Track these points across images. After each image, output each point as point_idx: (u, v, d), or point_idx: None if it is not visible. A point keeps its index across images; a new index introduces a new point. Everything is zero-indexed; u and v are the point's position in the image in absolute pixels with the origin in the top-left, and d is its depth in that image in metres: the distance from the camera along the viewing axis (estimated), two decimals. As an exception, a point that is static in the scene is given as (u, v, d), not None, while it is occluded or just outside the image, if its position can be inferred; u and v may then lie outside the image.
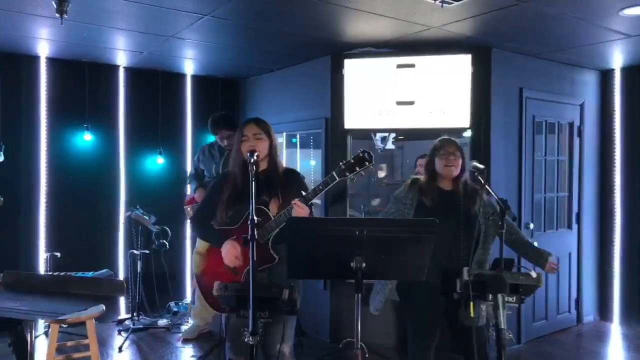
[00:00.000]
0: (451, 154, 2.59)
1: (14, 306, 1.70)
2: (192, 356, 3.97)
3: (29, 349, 2.04)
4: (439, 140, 2.72)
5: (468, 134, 4.07)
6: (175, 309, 4.97)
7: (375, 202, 5.18)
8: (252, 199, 1.96)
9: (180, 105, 5.30)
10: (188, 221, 4.36)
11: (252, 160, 2.08)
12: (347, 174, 2.17)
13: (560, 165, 4.63)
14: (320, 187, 2.18)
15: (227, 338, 2.35)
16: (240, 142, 2.27)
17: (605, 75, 4.82)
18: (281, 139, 5.35)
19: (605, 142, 4.85)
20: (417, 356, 2.59)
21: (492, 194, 2.27)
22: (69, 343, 3.41)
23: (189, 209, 4.26)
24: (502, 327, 1.83)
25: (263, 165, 2.31)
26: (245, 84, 5.60)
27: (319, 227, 1.86)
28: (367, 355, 3.85)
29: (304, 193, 2.15)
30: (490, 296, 2.03)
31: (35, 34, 3.84)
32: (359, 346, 2.01)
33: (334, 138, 4.31)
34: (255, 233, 1.87)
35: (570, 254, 4.65)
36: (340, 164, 2.20)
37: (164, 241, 4.74)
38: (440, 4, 2.90)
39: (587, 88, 4.72)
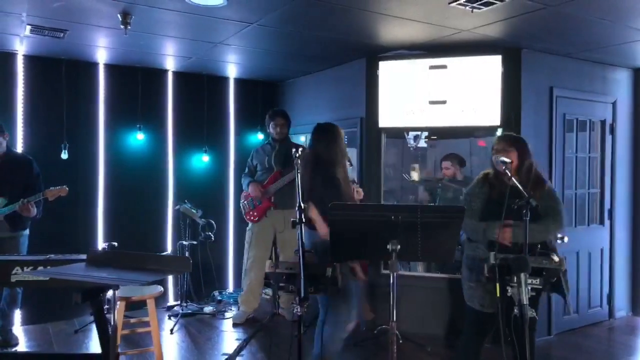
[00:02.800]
0: (501, 151, 2.76)
1: (103, 275, 2.02)
2: (237, 339, 4.27)
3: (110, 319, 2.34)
4: (496, 137, 2.94)
5: (499, 132, 4.22)
6: (219, 298, 5.32)
7: (410, 198, 5.37)
8: (297, 188, 2.23)
9: (224, 107, 5.65)
10: (244, 215, 4.73)
11: (296, 155, 2.37)
12: None
13: (592, 162, 4.71)
14: None
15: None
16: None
17: (638, 74, 4.87)
18: (303, 138, 5.64)
19: (638, 139, 4.90)
20: (470, 346, 2.79)
21: (518, 185, 2.46)
22: (132, 320, 3.77)
23: (245, 203, 4.61)
24: (524, 302, 2.03)
25: None
26: (283, 86, 5.91)
27: (360, 212, 2.10)
28: (400, 342, 4.11)
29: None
30: (515, 278, 2.22)
31: (97, 43, 4.23)
32: (394, 319, 2.20)
33: (369, 136, 4.55)
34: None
35: (602, 250, 4.73)
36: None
37: (210, 233, 5.08)
38: (471, 9, 3.10)
39: (619, 86, 4.78)
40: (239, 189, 5.62)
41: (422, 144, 5.40)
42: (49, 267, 2.37)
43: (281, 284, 2.36)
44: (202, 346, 4.14)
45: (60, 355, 3.07)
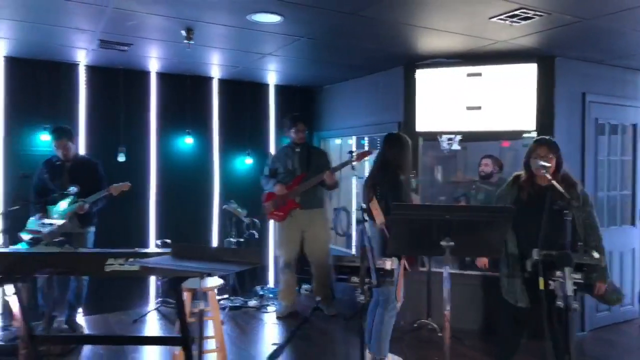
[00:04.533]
0: (543, 157, 2.89)
1: (192, 265, 2.32)
2: (291, 330, 4.54)
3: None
4: (534, 142, 3.05)
5: (529, 136, 4.42)
6: (260, 292, 5.62)
7: (441, 198, 5.58)
8: (364, 189, 2.49)
9: (264, 112, 5.96)
10: (268, 216, 4.99)
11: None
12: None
13: (624, 165, 4.86)
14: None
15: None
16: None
17: (669, 79, 4.99)
18: (351, 141, 5.90)
19: (669, 143, 5.02)
20: (507, 340, 3.01)
21: (558, 188, 2.67)
22: (194, 309, 4.08)
23: (268, 205, 4.89)
24: (569, 294, 2.24)
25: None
26: (321, 92, 6.18)
27: (419, 212, 2.35)
28: (439, 335, 4.33)
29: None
30: (558, 272, 2.43)
31: (153, 54, 4.56)
32: (447, 309, 2.43)
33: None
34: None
35: (633, 250, 4.87)
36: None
37: (254, 232, 5.38)
38: (510, 23, 3.31)
39: (650, 91, 4.92)
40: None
41: (456, 146, 5.61)
42: (137, 259, 2.67)
43: (341, 277, 2.62)
44: (251, 336, 4.43)
45: (145, 338, 3.39)
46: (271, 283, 5.95)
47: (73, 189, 3.97)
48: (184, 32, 3.61)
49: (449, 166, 5.79)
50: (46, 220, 3.81)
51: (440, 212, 2.34)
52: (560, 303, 2.39)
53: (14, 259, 2.52)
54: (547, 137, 3.12)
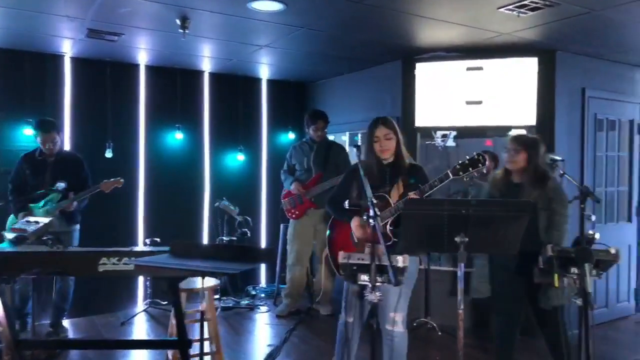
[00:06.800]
0: (511, 150, 2.94)
1: (192, 264, 2.17)
2: (287, 331, 4.40)
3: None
4: (508, 138, 3.05)
5: (518, 132, 4.37)
6: (253, 292, 5.47)
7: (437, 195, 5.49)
8: (366, 185, 2.38)
9: (257, 107, 5.81)
10: (285, 212, 4.84)
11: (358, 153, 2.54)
12: (461, 173, 2.53)
13: (621, 161, 4.85)
14: (436, 183, 2.55)
15: (343, 299, 2.77)
16: (373, 143, 2.69)
17: (665, 75, 5.00)
18: (344, 137, 5.78)
19: (665, 139, 5.03)
20: (502, 337, 2.94)
21: (572, 181, 2.60)
22: (189, 311, 3.92)
23: (286, 201, 4.75)
24: (589, 290, 2.17)
25: (390, 159, 2.73)
26: (315, 87, 6.05)
27: (432, 207, 2.24)
28: (439, 334, 4.25)
29: (420, 186, 2.54)
30: (573, 269, 2.36)
31: (143, 45, 4.38)
32: (461, 307, 2.33)
33: (405, 136, 4.68)
34: (377, 211, 2.27)
35: (630, 246, 4.87)
36: (456, 164, 2.55)
37: (246, 230, 5.23)
38: (518, 14, 3.24)
39: (646, 87, 4.92)
40: (272, 187, 5.79)
41: (451, 142, 5.54)
42: (132, 258, 2.51)
43: (350, 275, 2.50)
44: (245, 338, 4.29)
45: (139, 342, 3.22)
46: (263, 282, 5.81)
47: (61, 185, 3.77)
48: (178, 21, 3.45)
49: (447, 162, 5.72)
50: (31, 219, 3.59)
51: (456, 207, 2.24)
52: (577, 301, 2.32)
53: (-1, 259, 2.34)
54: (521, 134, 3.10)
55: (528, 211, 2.23)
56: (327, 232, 2.92)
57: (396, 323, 2.63)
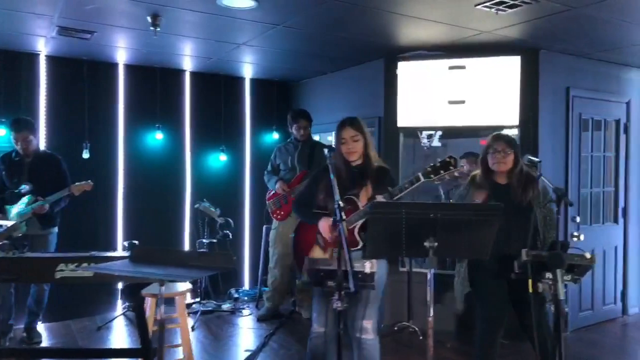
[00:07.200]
0: (500, 152, 2.80)
1: (149, 271, 2.08)
2: (258, 335, 4.33)
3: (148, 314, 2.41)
4: (490, 137, 2.92)
5: (511, 132, 4.29)
6: (235, 295, 5.38)
7: (422, 199, 5.41)
8: (335, 188, 2.29)
9: (240, 107, 5.71)
10: (271, 214, 4.74)
11: (330, 155, 2.45)
12: (432, 176, 2.47)
13: (607, 161, 4.78)
14: (406, 186, 2.48)
15: (313, 311, 2.67)
16: (340, 144, 2.60)
17: (651, 74, 4.94)
18: (330, 138, 5.70)
19: (652, 139, 4.97)
20: (484, 340, 2.86)
21: (548, 183, 2.52)
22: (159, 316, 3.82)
23: (271, 202, 4.66)
24: (561, 297, 2.09)
25: (358, 161, 2.64)
26: (298, 86, 5.96)
27: (399, 210, 2.16)
28: (421, 338, 4.17)
29: (390, 189, 2.46)
30: (547, 274, 2.28)
31: (120, 44, 4.28)
32: (430, 314, 2.25)
33: (387, 136, 4.62)
34: (344, 215, 2.19)
35: (616, 247, 4.80)
36: (427, 167, 2.49)
37: (228, 232, 5.14)
38: (496, 11, 3.16)
39: (633, 86, 4.85)
40: (255, 188, 5.69)
41: (436, 143, 5.46)
42: (92, 264, 2.42)
43: (317, 281, 2.41)
44: (224, 342, 4.20)
45: (101, 350, 3.13)
46: (247, 285, 5.72)
47: (24, 187, 3.67)
48: (149, 19, 3.36)
49: (429, 162, 5.63)
50: (0, 222, 3.50)
51: (424, 211, 2.15)
52: (550, 306, 2.24)
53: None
54: (504, 134, 2.98)
55: (499, 214, 2.14)
56: (292, 234, 2.84)
57: (366, 330, 2.54)
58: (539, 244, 2.79)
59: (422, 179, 2.47)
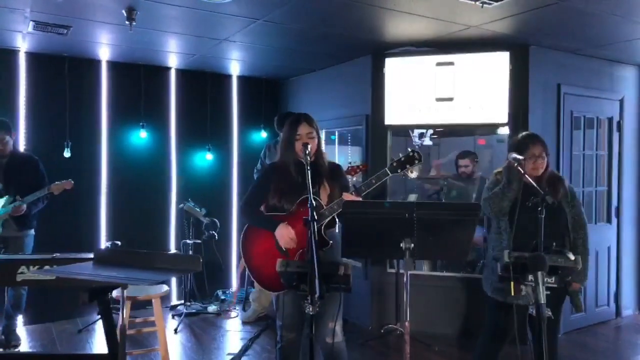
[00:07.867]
0: (539, 157, 2.60)
1: (111, 274, 1.98)
2: (242, 338, 4.23)
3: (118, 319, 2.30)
4: (523, 138, 2.68)
5: (504, 130, 4.20)
6: (222, 297, 5.28)
7: (412, 197, 5.32)
8: (309, 186, 2.19)
9: (227, 105, 5.60)
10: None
11: (307, 151, 2.34)
12: (399, 170, 2.43)
13: (599, 160, 4.68)
14: (373, 182, 2.42)
15: (279, 317, 2.56)
16: (294, 141, 2.49)
17: (645, 70, 4.84)
18: (321, 136, 5.59)
19: (646, 137, 4.87)
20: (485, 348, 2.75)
21: (532, 182, 2.42)
22: (137, 319, 3.73)
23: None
24: (542, 302, 1.99)
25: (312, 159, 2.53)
26: (287, 84, 5.86)
27: (373, 209, 2.06)
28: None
29: (356, 186, 2.38)
30: (530, 277, 2.17)
31: (100, 40, 4.18)
32: (407, 318, 2.15)
33: (375, 134, 4.51)
34: (315, 215, 2.09)
35: (609, 248, 4.70)
36: (392, 161, 2.45)
37: (214, 232, 5.04)
38: (481, 4, 3.06)
39: (626, 83, 4.75)
40: (243, 188, 5.59)
41: (428, 142, 5.37)
42: (55, 266, 2.32)
43: (293, 284, 2.31)
44: (207, 346, 4.10)
45: (66, 356, 3.03)
46: (234, 286, 5.62)
47: None
48: (124, 12, 3.25)
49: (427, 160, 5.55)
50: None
51: (399, 210, 2.05)
52: (531, 311, 2.14)
53: None
54: (534, 134, 2.78)
55: (477, 214, 2.04)
56: (241, 240, 2.72)
57: (336, 334, 2.45)
58: (568, 245, 2.65)
59: (390, 174, 2.43)
